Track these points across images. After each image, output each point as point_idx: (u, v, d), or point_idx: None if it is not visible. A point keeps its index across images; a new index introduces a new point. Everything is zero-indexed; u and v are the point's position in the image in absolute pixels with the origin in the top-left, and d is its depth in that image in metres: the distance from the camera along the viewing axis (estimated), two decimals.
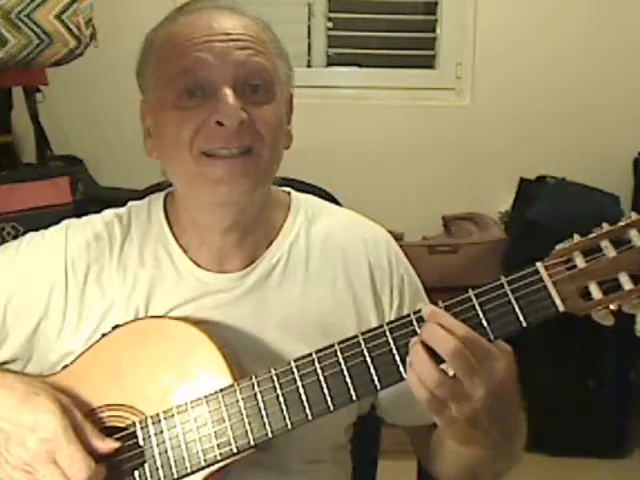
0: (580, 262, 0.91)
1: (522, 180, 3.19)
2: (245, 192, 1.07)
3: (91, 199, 2.56)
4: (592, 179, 3.05)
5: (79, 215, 1.22)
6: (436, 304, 0.95)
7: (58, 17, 2.39)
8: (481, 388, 0.89)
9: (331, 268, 1.17)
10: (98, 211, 1.22)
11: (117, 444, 1.02)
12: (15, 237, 1.22)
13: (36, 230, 1.21)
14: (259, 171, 1.07)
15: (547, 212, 2.88)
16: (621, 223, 0.90)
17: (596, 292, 0.90)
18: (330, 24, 3.36)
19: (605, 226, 0.91)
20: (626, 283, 0.89)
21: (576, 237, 0.92)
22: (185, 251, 1.16)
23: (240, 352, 1.07)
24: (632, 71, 3.27)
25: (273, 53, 1.11)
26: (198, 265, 1.15)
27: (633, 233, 0.89)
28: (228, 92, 1.04)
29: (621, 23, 3.25)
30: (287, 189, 1.24)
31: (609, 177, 3.14)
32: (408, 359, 0.93)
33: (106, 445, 1.02)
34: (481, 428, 0.93)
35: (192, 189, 1.10)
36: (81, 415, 1.03)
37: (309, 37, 3.38)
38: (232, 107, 1.04)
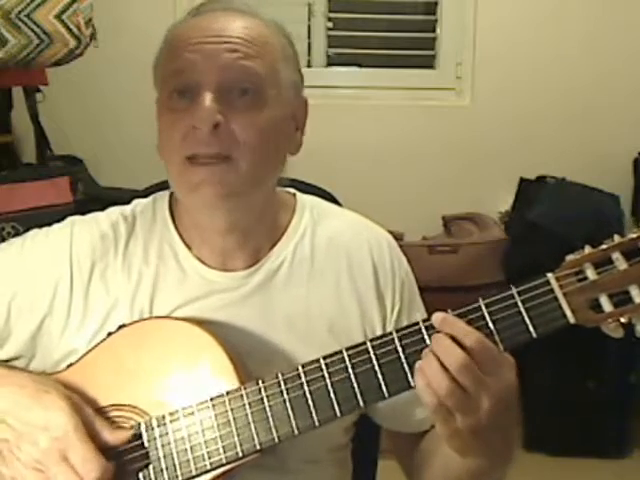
0: (591, 274, 0.90)
1: (522, 180, 3.19)
2: (224, 198, 1.05)
3: (91, 199, 2.56)
4: (592, 179, 3.05)
5: (79, 215, 1.21)
6: (445, 312, 0.94)
7: (58, 17, 2.38)
8: (487, 400, 0.90)
9: (335, 269, 1.17)
10: (99, 211, 1.21)
11: (128, 434, 1.02)
12: (15, 237, 1.21)
13: None
14: (238, 180, 1.05)
15: (547, 212, 2.89)
16: (632, 235, 0.90)
17: (607, 305, 0.90)
18: (330, 24, 3.37)
19: (617, 238, 0.90)
20: (637, 296, 0.89)
21: (587, 248, 0.92)
22: (190, 249, 1.15)
23: (245, 352, 1.07)
24: (632, 71, 3.27)
25: (275, 57, 1.09)
26: (203, 263, 1.15)
27: None
28: (206, 95, 1.04)
29: (621, 23, 3.26)
30: (292, 190, 1.24)
31: (609, 177, 3.14)
32: (417, 364, 0.92)
33: (118, 436, 1.02)
34: (483, 438, 0.93)
35: (179, 193, 1.11)
36: (92, 411, 1.03)
37: (309, 37, 3.38)
38: (205, 110, 1.03)
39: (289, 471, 1.12)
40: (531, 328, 0.92)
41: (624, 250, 0.90)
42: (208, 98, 1.03)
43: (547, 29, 3.26)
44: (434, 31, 3.36)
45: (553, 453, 2.87)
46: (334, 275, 1.17)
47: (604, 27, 3.26)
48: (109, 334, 1.09)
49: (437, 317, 0.94)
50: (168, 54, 1.09)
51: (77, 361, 1.09)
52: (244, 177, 1.06)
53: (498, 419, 0.91)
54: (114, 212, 1.20)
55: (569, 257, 0.92)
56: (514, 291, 0.93)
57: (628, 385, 2.90)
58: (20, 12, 2.33)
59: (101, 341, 1.09)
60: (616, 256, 0.90)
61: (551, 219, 2.79)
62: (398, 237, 3.04)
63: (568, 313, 0.91)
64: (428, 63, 3.39)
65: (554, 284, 0.92)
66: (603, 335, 0.91)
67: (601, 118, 3.29)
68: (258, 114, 1.06)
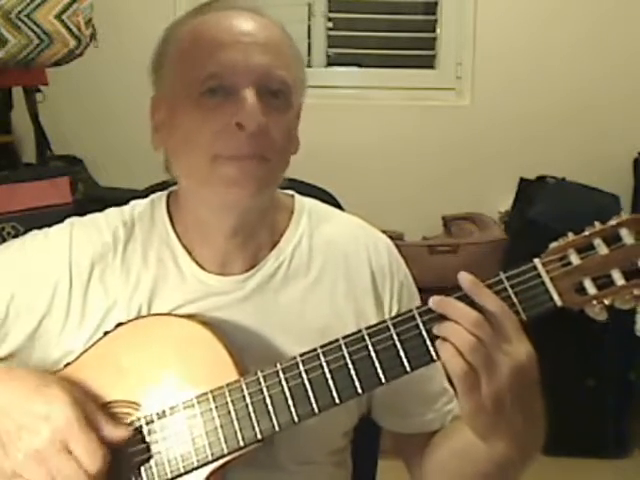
0: (575, 259, 0.93)
1: (522, 180, 3.19)
2: (253, 195, 1.06)
3: (91, 199, 2.57)
4: (592, 179, 3.05)
5: (79, 215, 1.21)
6: None
7: (58, 17, 2.40)
8: (507, 362, 0.93)
9: (333, 273, 1.17)
10: (98, 211, 1.21)
11: (130, 431, 1.02)
12: (15, 237, 1.21)
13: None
14: (269, 176, 1.08)
15: (547, 212, 2.88)
16: (612, 222, 0.93)
17: (591, 287, 0.93)
18: (330, 24, 3.38)
19: (597, 225, 0.94)
20: (618, 279, 0.92)
21: (570, 235, 0.95)
22: (189, 252, 1.15)
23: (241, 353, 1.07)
24: (632, 71, 3.27)
25: (292, 58, 1.11)
26: (201, 266, 1.15)
27: (624, 232, 0.93)
28: (249, 93, 1.04)
29: (621, 23, 3.26)
30: (290, 192, 1.24)
31: (609, 177, 3.14)
32: (439, 341, 0.94)
33: (119, 432, 1.01)
34: (506, 417, 0.94)
35: (203, 188, 1.10)
36: (94, 405, 1.02)
37: (309, 37, 3.39)
38: (253, 107, 1.03)
39: (287, 472, 1.12)
40: (521, 312, 0.94)
41: (605, 236, 0.93)
42: (251, 95, 1.04)
43: (547, 29, 3.27)
44: (434, 31, 3.37)
45: (553, 453, 2.84)
46: (331, 280, 1.17)
47: (604, 27, 3.26)
48: (105, 333, 1.09)
49: (433, 300, 0.95)
50: (193, 53, 1.08)
51: (74, 360, 1.09)
52: (273, 175, 1.09)
53: (519, 392, 0.93)
54: (113, 213, 1.20)
55: (553, 244, 0.95)
56: (502, 276, 0.95)
57: (628, 383, 2.89)
58: (20, 12, 2.35)
59: (98, 340, 1.09)
60: (597, 242, 0.93)
61: (551, 217, 2.78)
62: (398, 237, 3.07)
63: (555, 296, 0.94)
64: (428, 63, 3.40)
65: (541, 269, 0.94)
66: (602, 332, 0.93)
67: (601, 118, 3.29)
68: (286, 116, 1.09)
